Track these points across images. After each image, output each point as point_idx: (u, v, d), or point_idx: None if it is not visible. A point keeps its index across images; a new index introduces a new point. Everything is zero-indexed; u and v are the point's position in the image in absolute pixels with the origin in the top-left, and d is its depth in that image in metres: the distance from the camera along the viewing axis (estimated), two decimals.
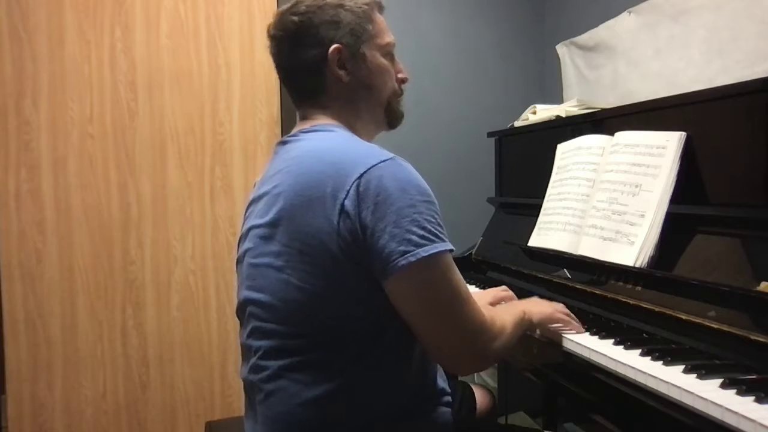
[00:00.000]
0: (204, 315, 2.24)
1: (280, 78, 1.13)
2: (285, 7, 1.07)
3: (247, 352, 1.05)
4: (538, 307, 1.18)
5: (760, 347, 0.93)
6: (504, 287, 1.40)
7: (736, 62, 1.59)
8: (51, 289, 2.07)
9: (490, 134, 2.16)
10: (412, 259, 0.88)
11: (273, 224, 0.97)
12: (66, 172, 2.07)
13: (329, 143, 1.01)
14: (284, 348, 0.96)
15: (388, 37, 1.11)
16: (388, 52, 1.11)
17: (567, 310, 1.21)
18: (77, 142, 2.08)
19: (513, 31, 2.61)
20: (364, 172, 0.91)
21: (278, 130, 2.30)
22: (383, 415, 0.98)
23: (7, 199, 2.02)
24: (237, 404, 2.27)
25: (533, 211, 1.65)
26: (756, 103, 1.11)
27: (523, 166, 2.02)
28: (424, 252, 0.89)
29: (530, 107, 1.98)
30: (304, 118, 1.11)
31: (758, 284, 0.98)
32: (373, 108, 1.11)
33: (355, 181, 0.90)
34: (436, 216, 0.93)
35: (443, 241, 0.92)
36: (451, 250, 0.94)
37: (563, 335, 1.17)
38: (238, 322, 1.09)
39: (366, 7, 1.07)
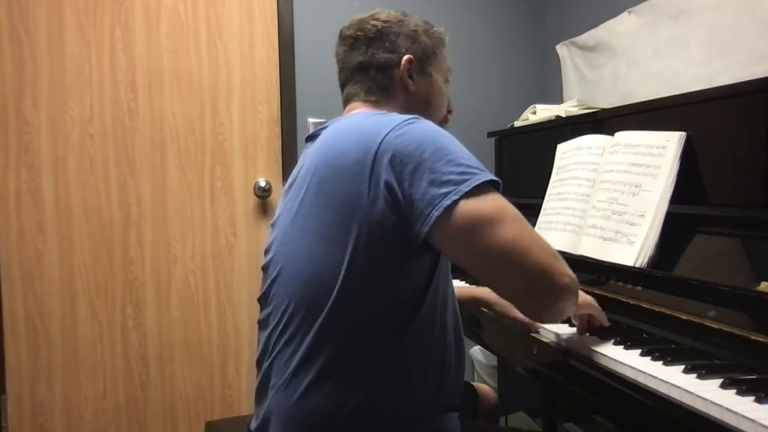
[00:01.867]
0: (204, 315, 2.24)
1: (341, 78, 1.15)
2: (364, 15, 1.14)
3: (264, 337, 1.04)
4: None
5: (760, 347, 0.92)
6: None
7: (736, 62, 1.59)
8: (51, 289, 2.07)
9: (490, 134, 2.16)
10: (456, 197, 0.85)
11: (303, 202, 0.97)
12: (66, 172, 2.07)
13: (354, 119, 1.03)
14: (298, 337, 0.94)
15: (449, 66, 1.20)
16: (447, 80, 1.19)
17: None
18: (77, 142, 2.08)
19: (513, 31, 2.61)
20: (389, 131, 0.92)
21: (278, 130, 2.30)
22: (392, 420, 0.95)
23: (7, 199, 2.02)
24: (237, 404, 2.28)
25: (533, 211, 1.64)
26: (756, 103, 1.11)
27: (523, 166, 2.02)
28: (466, 187, 0.86)
29: (530, 107, 1.98)
30: (347, 112, 1.13)
31: (758, 284, 0.98)
32: None
33: (381, 140, 0.91)
34: (470, 155, 0.91)
35: (485, 171, 0.89)
36: (497, 182, 0.90)
37: (559, 334, 1.16)
38: (250, 316, 1.08)
39: (440, 36, 1.18)
